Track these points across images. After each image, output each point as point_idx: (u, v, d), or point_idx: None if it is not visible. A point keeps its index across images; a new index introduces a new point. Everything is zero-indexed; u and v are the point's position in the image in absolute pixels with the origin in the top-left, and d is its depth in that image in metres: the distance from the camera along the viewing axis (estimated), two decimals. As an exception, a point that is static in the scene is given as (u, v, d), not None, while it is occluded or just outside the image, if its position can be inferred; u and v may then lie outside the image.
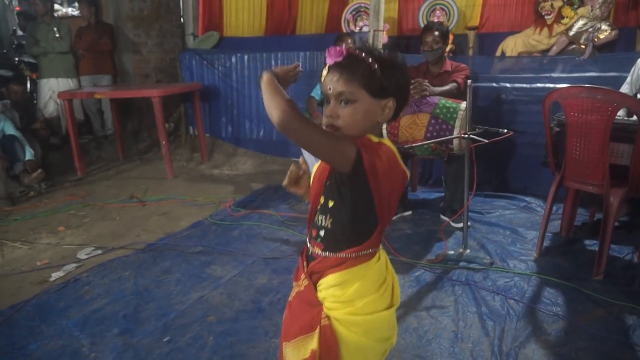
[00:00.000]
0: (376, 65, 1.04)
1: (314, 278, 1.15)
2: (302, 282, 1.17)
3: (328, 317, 1.11)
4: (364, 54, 1.05)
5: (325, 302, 1.13)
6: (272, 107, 0.98)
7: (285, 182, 1.24)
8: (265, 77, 1.05)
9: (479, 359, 1.89)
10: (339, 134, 1.06)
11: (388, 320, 1.15)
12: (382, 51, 1.09)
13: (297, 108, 0.98)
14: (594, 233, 2.89)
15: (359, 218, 1.09)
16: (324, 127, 1.07)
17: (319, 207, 1.15)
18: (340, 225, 1.10)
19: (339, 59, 1.05)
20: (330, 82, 1.06)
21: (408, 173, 1.12)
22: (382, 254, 1.17)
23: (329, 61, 1.06)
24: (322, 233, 1.13)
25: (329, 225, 1.11)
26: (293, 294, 1.22)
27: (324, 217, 1.13)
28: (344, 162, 1.00)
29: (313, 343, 1.10)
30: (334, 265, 1.11)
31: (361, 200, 1.06)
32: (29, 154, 4.22)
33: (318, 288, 1.15)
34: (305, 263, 1.19)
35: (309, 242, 1.18)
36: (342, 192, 1.07)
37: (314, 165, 1.21)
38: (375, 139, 1.07)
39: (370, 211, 1.07)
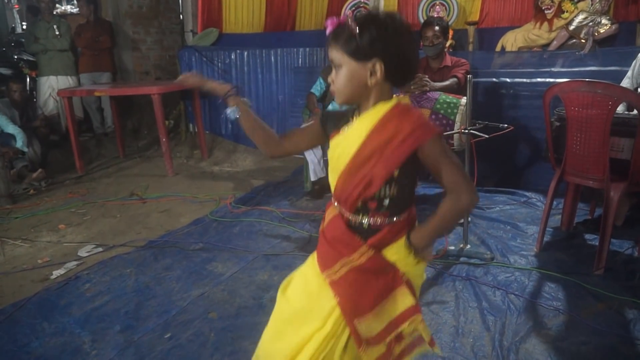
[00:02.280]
0: (357, 28, 1.05)
1: (381, 246, 1.18)
2: (362, 255, 1.17)
3: (403, 273, 1.19)
4: (349, 19, 1.08)
5: (399, 263, 1.19)
6: None
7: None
8: None
9: (479, 353, 1.90)
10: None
11: None
12: (381, 13, 1.10)
13: None
14: (594, 229, 2.88)
15: (414, 180, 1.21)
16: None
17: None
18: (405, 191, 1.18)
19: (333, 28, 1.10)
20: (329, 51, 1.12)
21: None
22: None
23: (328, 31, 1.12)
24: (386, 202, 1.16)
25: (395, 193, 1.16)
26: (339, 271, 1.19)
27: (387, 186, 1.15)
28: None
29: (408, 299, 1.18)
30: (404, 226, 1.19)
31: (416, 164, 1.15)
32: (18, 143, 4.22)
33: (388, 253, 1.18)
34: (359, 237, 1.18)
35: (363, 216, 1.18)
36: (407, 161, 1.13)
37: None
38: (401, 100, 1.14)
39: (416, 171, 1.18)
